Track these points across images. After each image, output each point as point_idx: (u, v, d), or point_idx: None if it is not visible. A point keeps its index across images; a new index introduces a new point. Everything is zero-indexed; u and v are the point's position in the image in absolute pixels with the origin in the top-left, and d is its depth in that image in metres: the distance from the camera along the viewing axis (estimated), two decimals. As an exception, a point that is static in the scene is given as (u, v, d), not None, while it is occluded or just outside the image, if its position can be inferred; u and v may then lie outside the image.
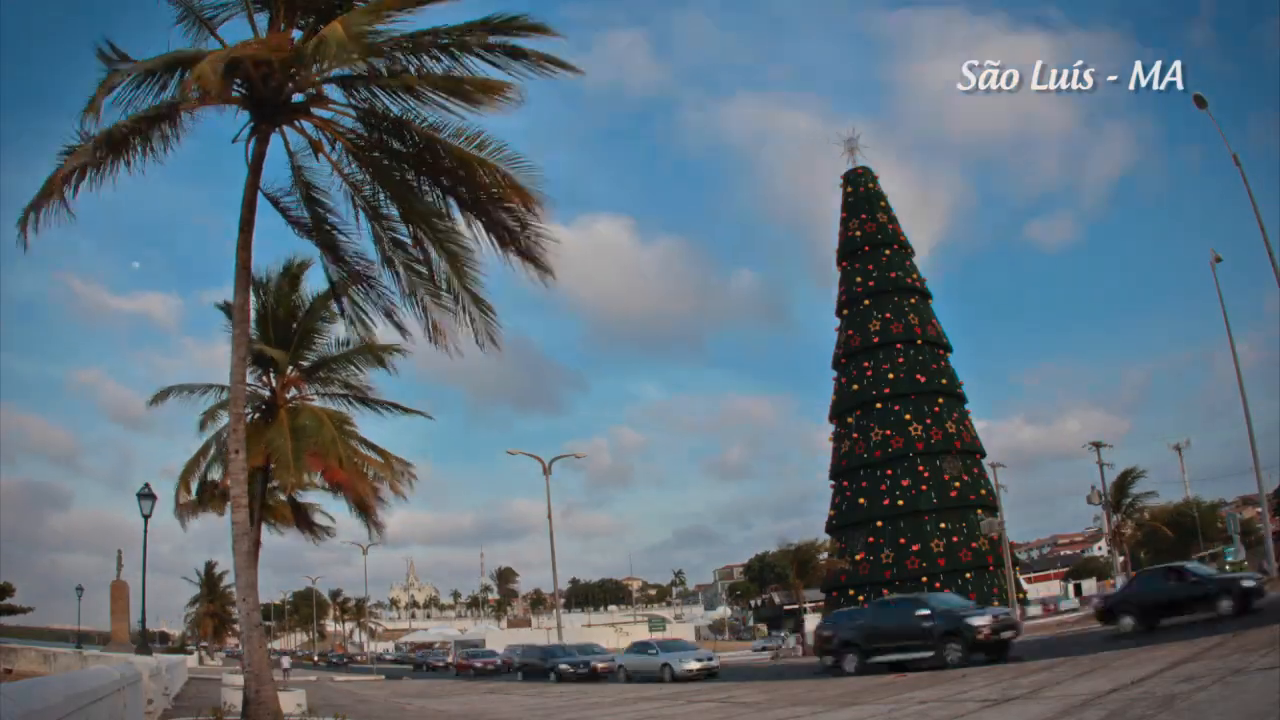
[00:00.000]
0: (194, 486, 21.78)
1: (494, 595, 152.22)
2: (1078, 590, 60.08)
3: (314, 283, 20.25)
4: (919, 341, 51.85)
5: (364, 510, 21.32)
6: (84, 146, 9.93)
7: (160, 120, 10.38)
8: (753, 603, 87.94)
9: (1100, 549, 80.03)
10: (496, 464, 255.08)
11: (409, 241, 12.20)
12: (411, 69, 10.69)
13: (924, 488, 48.81)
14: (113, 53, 10.43)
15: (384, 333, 14.59)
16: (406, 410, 20.88)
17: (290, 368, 20.42)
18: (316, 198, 12.50)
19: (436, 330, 12.37)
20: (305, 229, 12.94)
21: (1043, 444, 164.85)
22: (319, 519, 25.28)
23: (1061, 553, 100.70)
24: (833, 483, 53.89)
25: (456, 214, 11.81)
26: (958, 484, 49.01)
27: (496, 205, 11.34)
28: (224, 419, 19.91)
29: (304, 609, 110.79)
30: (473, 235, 11.77)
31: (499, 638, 72.12)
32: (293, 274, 19.86)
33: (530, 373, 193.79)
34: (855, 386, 52.35)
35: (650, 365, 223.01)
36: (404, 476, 20.94)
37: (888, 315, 52.17)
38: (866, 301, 53.14)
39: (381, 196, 12.09)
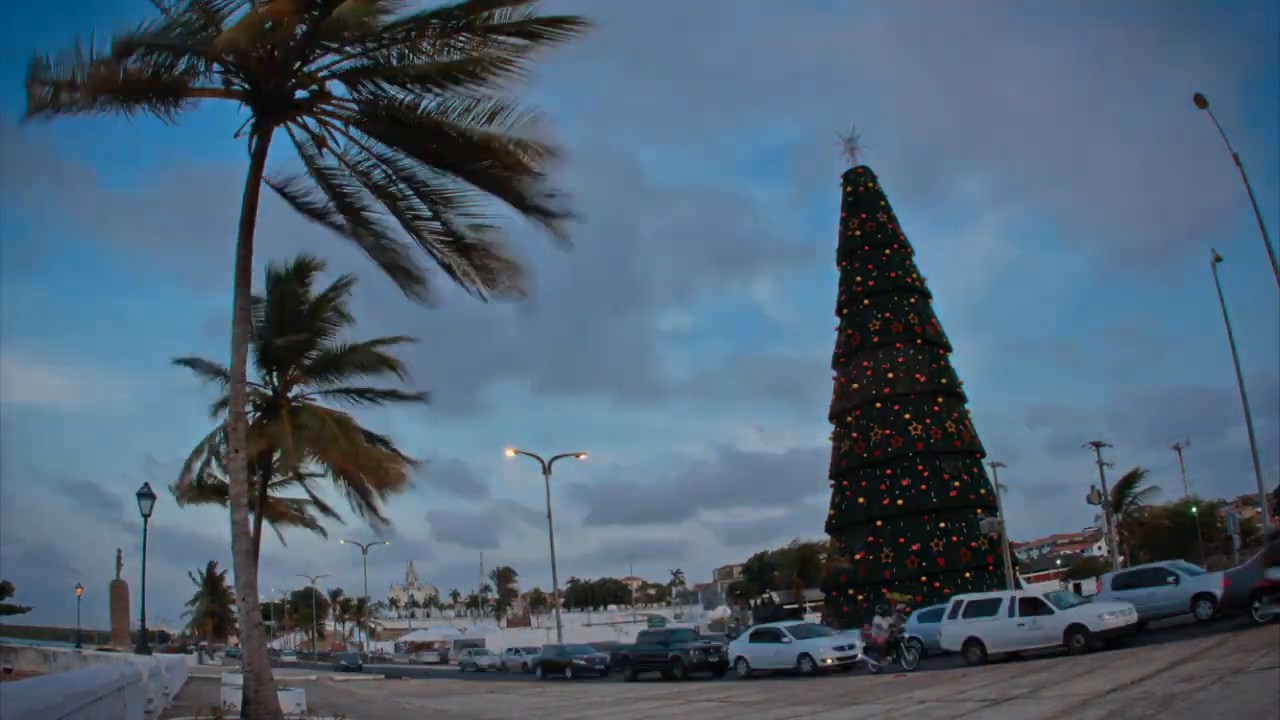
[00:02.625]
0: (195, 475, 21.82)
1: (494, 595, 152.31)
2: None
3: (317, 284, 20.35)
4: (919, 341, 51.83)
5: (368, 502, 21.34)
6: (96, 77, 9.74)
7: (165, 93, 10.34)
8: (752, 602, 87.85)
9: (1100, 549, 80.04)
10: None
11: (429, 218, 12.25)
12: (415, 55, 10.68)
13: (924, 487, 48.79)
14: None
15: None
16: (403, 397, 20.85)
17: (292, 367, 20.47)
18: (334, 183, 12.49)
19: (480, 283, 12.43)
20: (317, 215, 12.89)
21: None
22: (318, 515, 25.34)
23: (1061, 552, 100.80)
24: (832, 482, 53.85)
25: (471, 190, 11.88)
26: (958, 484, 49.01)
27: (514, 174, 11.30)
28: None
29: (303, 609, 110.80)
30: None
31: (499, 637, 72.19)
32: (299, 273, 19.88)
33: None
34: (855, 386, 52.32)
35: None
36: (410, 469, 20.95)
37: (887, 315, 52.14)
38: (866, 301, 53.10)
39: (394, 183, 12.13)
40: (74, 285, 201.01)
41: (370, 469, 20.08)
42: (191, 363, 20.41)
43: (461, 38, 10.58)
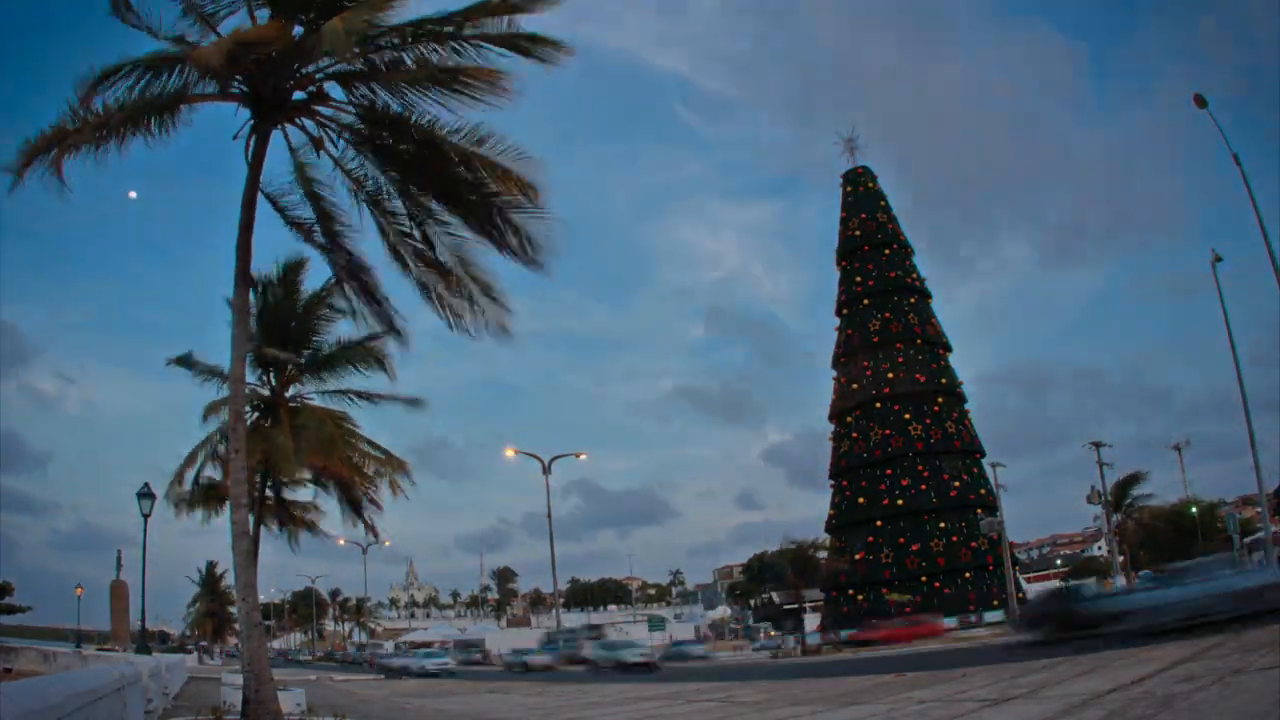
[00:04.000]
0: (188, 480, 21.83)
1: (494, 595, 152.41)
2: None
3: (311, 281, 20.37)
4: (919, 341, 51.86)
5: (359, 510, 21.41)
6: (84, 124, 9.83)
7: (159, 110, 10.35)
8: (752, 602, 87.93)
9: (1100, 549, 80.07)
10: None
11: (416, 236, 12.23)
12: (409, 61, 10.70)
13: (924, 488, 48.80)
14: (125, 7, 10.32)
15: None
16: (403, 400, 20.92)
17: (289, 366, 20.49)
18: (320, 194, 12.48)
19: (454, 314, 12.41)
20: (304, 230, 12.92)
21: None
22: (315, 519, 25.39)
23: (1061, 552, 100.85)
24: (832, 482, 53.88)
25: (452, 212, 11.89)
26: (957, 484, 49.01)
27: (494, 199, 11.34)
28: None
29: (303, 609, 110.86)
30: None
31: (498, 637, 72.20)
32: (291, 272, 19.91)
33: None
34: (855, 386, 52.34)
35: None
36: (402, 473, 21.03)
37: (887, 315, 52.18)
38: (866, 301, 53.15)
39: (385, 191, 12.11)
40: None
41: (368, 478, 20.23)
42: (186, 362, 20.42)
43: (450, 45, 10.57)
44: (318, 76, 11.25)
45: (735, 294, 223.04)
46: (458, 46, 10.54)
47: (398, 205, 12.18)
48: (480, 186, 11.21)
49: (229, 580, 62.37)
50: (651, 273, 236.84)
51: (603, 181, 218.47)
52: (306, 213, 12.76)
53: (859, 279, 53.69)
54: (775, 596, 67.08)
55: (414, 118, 11.07)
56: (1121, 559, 50.29)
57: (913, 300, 53.22)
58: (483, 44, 10.45)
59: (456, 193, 11.54)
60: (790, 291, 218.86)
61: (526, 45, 10.36)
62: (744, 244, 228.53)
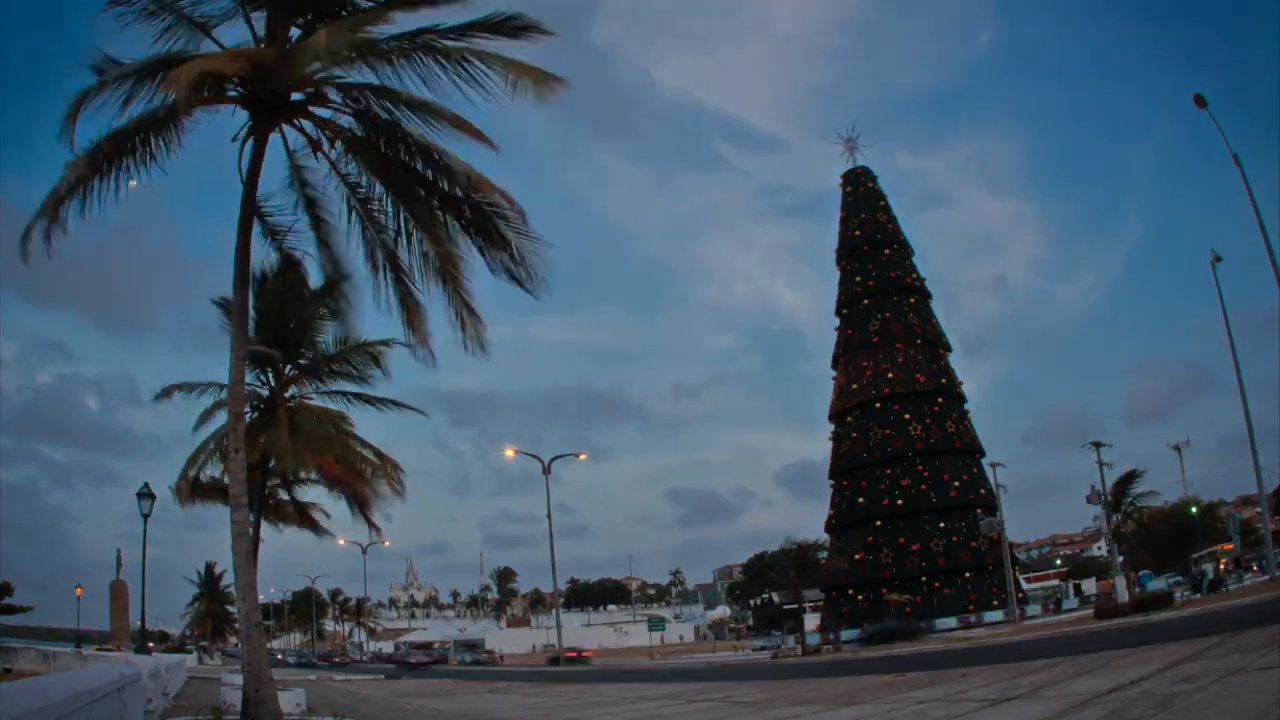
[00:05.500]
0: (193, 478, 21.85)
1: (494, 595, 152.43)
2: (1077, 590, 60.03)
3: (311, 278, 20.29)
4: (918, 341, 51.84)
5: (362, 507, 21.41)
6: (77, 161, 9.83)
7: (160, 124, 10.31)
8: (752, 602, 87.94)
9: (1099, 548, 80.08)
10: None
11: (401, 250, 12.17)
12: (399, 75, 10.59)
13: (924, 487, 48.79)
14: (105, 62, 10.23)
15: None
16: (402, 406, 20.93)
17: (288, 367, 20.48)
18: (314, 197, 12.45)
19: (420, 339, 12.26)
20: (278, 237, 12.94)
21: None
22: (318, 517, 25.39)
23: (1061, 552, 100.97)
24: (832, 482, 53.87)
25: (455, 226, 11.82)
26: (957, 484, 49.01)
27: (489, 213, 11.30)
28: (220, 417, 20.04)
29: (302, 608, 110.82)
30: (467, 244, 11.80)
31: (498, 637, 72.24)
32: (289, 270, 19.83)
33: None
34: (855, 386, 52.34)
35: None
36: (396, 475, 21.07)
37: (887, 315, 52.16)
38: (866, 301, 53.13)
39: (377, 200, 12.04)
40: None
41: (361, 477, 20.24)
42: (176, 389, 20.44)
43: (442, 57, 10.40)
44: (316, 76, 11.22)
45: (756, 306, 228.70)
46: (443, 61, 10.34)
47: (389, 210, 12.12)
48: (474, 196, 11.14)
49: (228, 580, 62.42)
50: (679, 286, 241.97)
51: (644, 204, 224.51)
52: (304, 216, 12.75)
53: (859, 279, 53.68)
54: (775, 596, 67.05)
55: (409, 128, 11.01)
56: (1121, 559, 50.28)
57: (912, 300, 53.20)
58: (468, 63, 10.28)
59: (450, 201, 11.45)
60: (807, 304, 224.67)
61: (508, 36, 10.19)
62: (770, 261, 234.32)
